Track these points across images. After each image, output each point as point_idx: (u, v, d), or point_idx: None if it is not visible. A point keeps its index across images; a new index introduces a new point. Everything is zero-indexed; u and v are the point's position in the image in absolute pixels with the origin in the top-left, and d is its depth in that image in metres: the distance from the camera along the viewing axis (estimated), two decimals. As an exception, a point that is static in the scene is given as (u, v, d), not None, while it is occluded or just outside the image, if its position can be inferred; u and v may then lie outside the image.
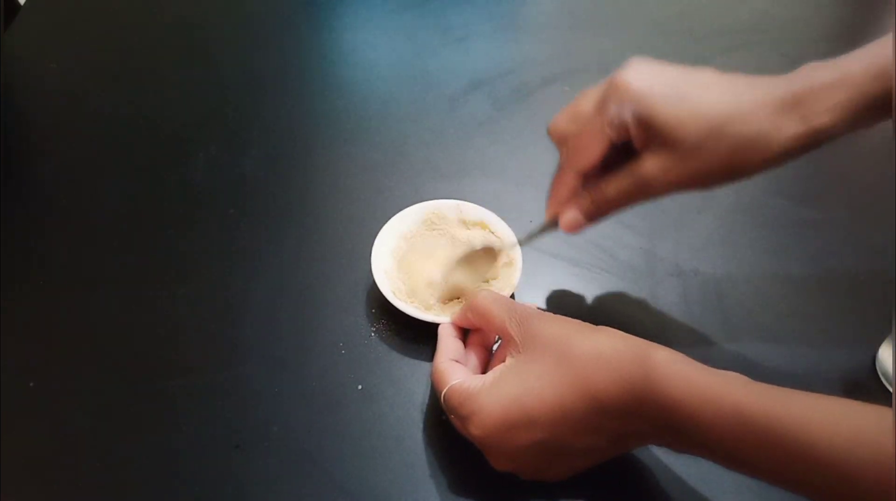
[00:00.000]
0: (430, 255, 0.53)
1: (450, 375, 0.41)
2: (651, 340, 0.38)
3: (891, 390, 0.47)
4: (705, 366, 0.35)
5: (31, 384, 0.48)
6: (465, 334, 0.46)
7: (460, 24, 0.83)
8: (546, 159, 0.60)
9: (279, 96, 0.73)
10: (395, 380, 0.49)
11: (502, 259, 0.52)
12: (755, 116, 0.39)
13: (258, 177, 0.64)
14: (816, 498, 0.32)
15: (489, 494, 0.43)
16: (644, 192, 0.42)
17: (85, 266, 0.56)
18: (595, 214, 0.44)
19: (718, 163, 0.40)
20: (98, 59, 0.78)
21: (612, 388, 0.36)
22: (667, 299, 0.54)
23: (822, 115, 0.39)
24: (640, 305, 0.54)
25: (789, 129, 0.39)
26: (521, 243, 0.51)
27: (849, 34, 0.86)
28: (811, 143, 0.39)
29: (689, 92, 0.40)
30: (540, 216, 0.59)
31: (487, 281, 0.52)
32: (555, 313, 0.42)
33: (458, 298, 0.52)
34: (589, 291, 0.55)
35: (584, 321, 0.41)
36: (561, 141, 0.44)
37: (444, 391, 0.41)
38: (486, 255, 0.52)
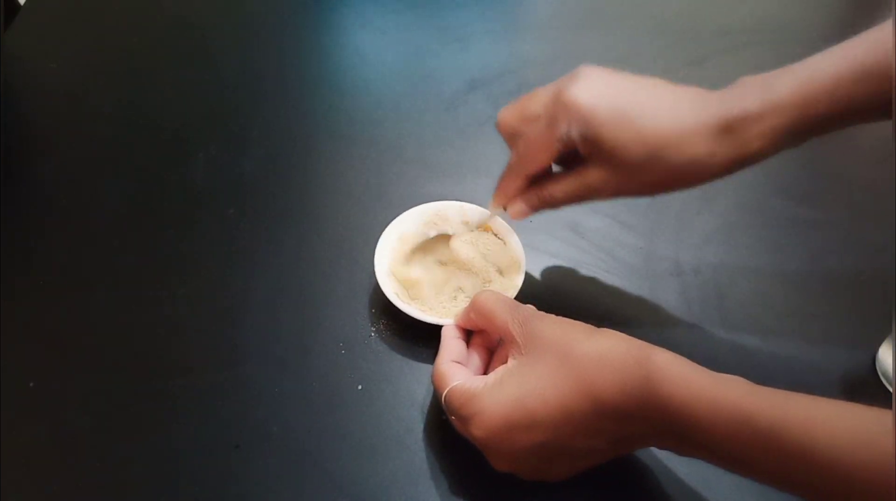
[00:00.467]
0: (433, 257, 0.53)
1: (451, 376, 0.41)
2: (651, 339, 0.38)
3: (891, 390, 0.47)
4: (706, 369, 0.36)
5: (31, 384, 0.48)
6: (468, 335, 0.46)
7: (460, 24, 0.83)
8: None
9: (279, 96, 0.73)
10: (395, 380, 0.49)
11: (499, 237, 0.55)
12: (692, 141, 0.42)
13: (258, 177, 0.64)
14: (817, 500, 0.32)
15: (489, 494, 0.43)
16: (588, 197, 0.47)
17: (85, 266, 0.56)
18: (540, 208, 0.49)
19: (656, 181, 0.44)
20: (98, 59, 0.78)
21: (614, 390, 0.36)
22: (667, 298, 0.54)
23: (754, 141, 0.42)
24: (640, 305, 0.54)
25: (723, 154, 0.42)
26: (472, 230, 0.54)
27: (849, 34, 0.86)
28: (742, 164, 0.43)
29: (632, 113, 0.43)
30: (540, 217, 0.59)
31: (490, 282, 0.52)
32: (555, 313, 0.42)
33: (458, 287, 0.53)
34: (589, 291, 0.55)
35: (585, 321, 0.41)
36: (509, 137, 0.48)
37: (445, 392, 0.41)
38: (471, 242, 0.54)
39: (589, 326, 0.40)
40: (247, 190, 0.63)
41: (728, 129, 0.42)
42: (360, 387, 0.48)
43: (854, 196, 0.63)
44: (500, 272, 0.52)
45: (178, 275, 0.55)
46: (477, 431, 0.39)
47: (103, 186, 0.63)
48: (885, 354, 0.49)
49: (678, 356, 0.36)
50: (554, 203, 0.48)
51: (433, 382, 0.43)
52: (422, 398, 0.48)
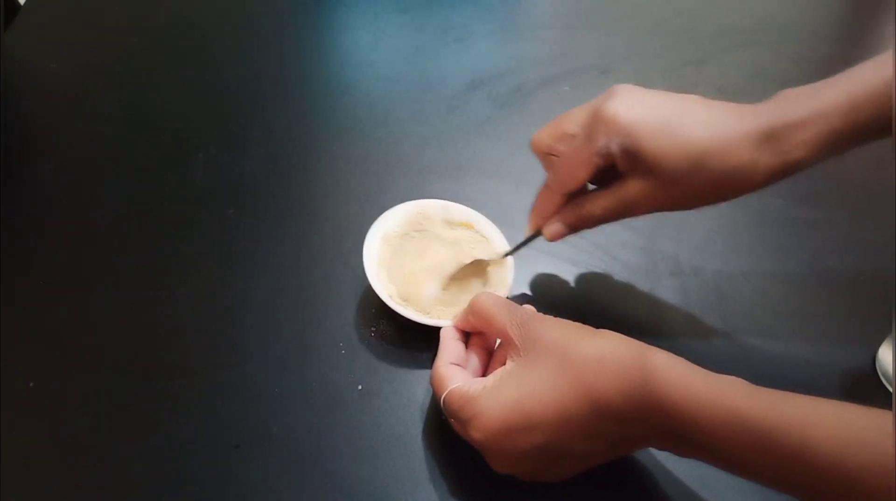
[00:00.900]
0: (418, 257, 0.53)
1: (449, 379, 0.41)
2: (651, 339, 0.38)
3: (891, 390, 0.48)
4: (705, 370, 0.36)
5: (31, 384, 0.48)
6: (467, 336, 0.46)
7: (460, 25, 0.83)
8: (546, 159, 0.60)
9: (279, 96, 0.73)
10: (395, 380, 0.49)
11: (483, 235, 0.54)
12: (734, 150, 0.42)
13: (258, 177, 0.64)
14: None
15: (489, 494, 0.43)
16: (627, 212, 0.46)
17: (85, 266, 0.56)
18: (578, 227, 0.48)
19: (699, 192, 0.43)
20: (98, 59, 0.78)
21: (613, 392, 0.36)
22: (667, 298, 0.54)
23: (796, 149, 0.41)
24: (640, 304, 0.54)
25: (766, 163, 0.42)
26: (509, 254, 0.52)
27: (849, 34, 0.86)
28: (785, 173, 0.43)
29: (673, 124, 0.42)
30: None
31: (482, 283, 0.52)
32: (554, 313, 0.42)
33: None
34: (589, 291, 0.55)
35: (584, 321, 0.41)
36: (545, 157, 0.47)
37: (444, 395, 0.41)
38: (475, 266, 0.53)
39: (587, 327, 0.40)
40: (247, 190, 0.63)
41: (771, 137, 0.41)
42: (360, 387, 0.48)
43: (854, 196, 0.63)
44: (488, 273, 0.52)
45: (178, 275, 0.55)
46: (476, 433, 0.39)
47: (103, 186, 0.63)
48: (885, 354, 0.49)
49: (677, 357, 0.36)
50: (592, 221, 0.47)
51: (432, 384, 0.43)
52: (422, 398, 0.48)
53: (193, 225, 0.60)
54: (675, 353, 0.37)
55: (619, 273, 0.56)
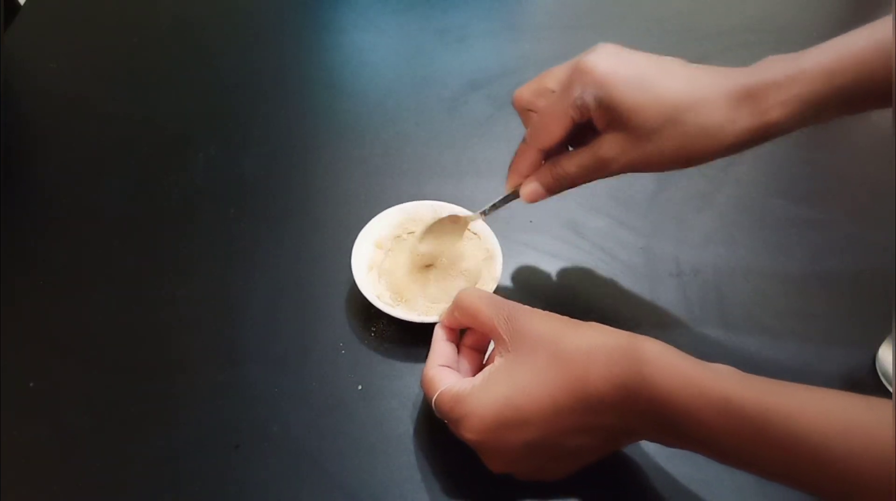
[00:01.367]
0: (408, 258, 0.53)
1: (438, 381, 0.41)
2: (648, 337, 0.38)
3: (891, 390, 0.47)
4: (695, 359, 0.35)
5: (31, 384, 0.48)
6: (459, 335, 0.46)
7: (460, 25, 0.83)
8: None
9: (279, 96, 0.73)
10: (395, 380, 0.49)
11: (472, 230, 0.54)
12: (711, 106, 0.41)
13: (258, 177, 0.64)
14: (809, 491, 0.32)
15: (488, 494, 0.43)
16: (601, 170, 0.44)
17: (85, 266, 0.56)
18: (555, 187, 0.47)
19: (673, 148, 0.42)
20: (98, 59, 0.78)
21: (603, 384, 0.36)
22: (667, 298, 0.54)
23: (774, 109, 0.40)
24: (640, 305, 0.54)
25: (742, 121, 0.41)
26: (486, 213, 0.52)
27: (849, 34, 0.86)
28: (763, 135, 0.41)
29: (650, 78, 0.42)
30: (540, 217, 0.59)
31: (474, 281, 0.52)
32: (554, 312, 0.42)
33: (430, 265, 0.53)
34: (588, 291, 0.55)
35: (584, 320, 0.41)
36: (524, 113, 0.47)
37: (434, 397, 0.40)
38: (454, 224, 0.53)
39: (575, 320, 0.40)
40: (247, 190, 0.63)
41: (749, 95, 0.41)
42: (360, 387, 0.48)
43: (854, 196, 0.63)
44: (478, 268, 0.53)
45: (178, 275, 0.55)
46: (468, 433, 0.39)
47: (103, 187, 0.63)
48: (885, 354, 0.49)
49: (666, 345, 0.36)
50: (568, 179, 0.46)
51: (423, 388, 0.43)
52: (422, 398, 0.48)
53: (193, 225, 0.60)
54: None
55: (619, 273, 0.56)
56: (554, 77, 0.45)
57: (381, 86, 0.75)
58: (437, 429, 0.46)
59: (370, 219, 0.55)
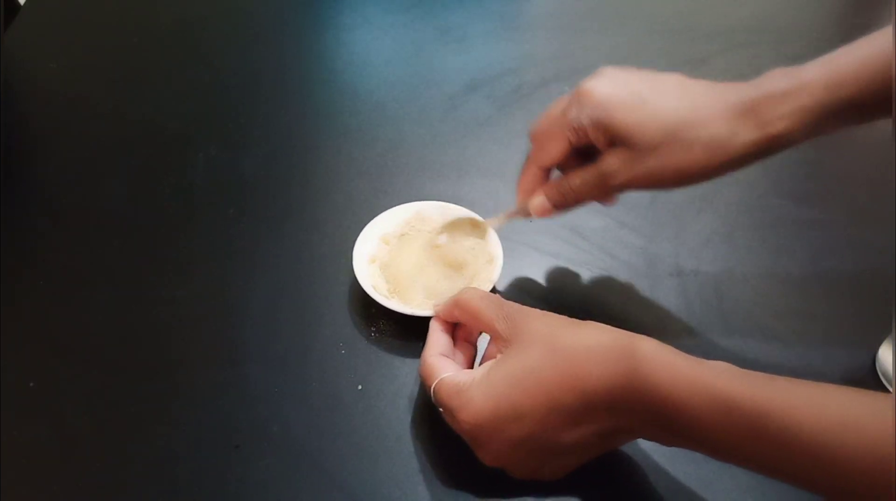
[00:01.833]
0: (412, 255, 0.53)
1: (439, 369, 0.41)
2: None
3: (891, 390, 0.47)
4: (692, 356, 0.35)
5: (31, 384, 0.48)
6: (453, 328, 0.46)
7: (460, 24, 0.83)
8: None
9: (279, 96, 0.73)
10: (395, 380, 0.49)
11: (487, 239, 0.54)
12: (712, 121, 0.41)
13: (258, 177, 0.64)
14: (807, 487, 0.32)
15: (489, 494, 0.43)
16: (604, 184, 0.45)
17: (85, 266, 0.56)
18: (561, 202, 0.48)
19: (675, 164, 0.42)
20: (98, 59, 0.78)
21: (601, 382, 0.36)
22: (667, 298, 0.54)
23: (777, 122, 0.40)
24: (640, 305, 0.54)
25: (745, 135, 0.41)
26: (496, 228, 0.53)
27: (849, 34, 0.86)
28: (766, 149, 0.41)
29: (649, 97, 0.42)
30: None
31: (472, 281, 0.52)
32: (554, 312, 0.42)
33: (432, 262, 0.53)
34: (589, 291, 0.55)
35: (584, 320, 0.41)
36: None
37: (434, 384, 0.41)
38: (473, 227, 0.54)
39: (573, 319, 0.40)
40: (247, 190, 0.63)
41: (750, 108, 0.41)
42: (360, 387, 0.48)
43: (854, 196, 0.63)
44: (479, 268, 0.53)
45: (178, 275, 0.55)
46: (464, 423, 0.39)
47: (103, 187, 0.63)
48: (885, 354, 0.49)
49: (663, 344, 0.36)
50: (573, 195, 0.47)
51: (421, 374, 0.43)
52: (422, 397, 0.48)
53: (193, 225, 0.60)
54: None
55: (619, 273, 0.56)
56: (559, 103, 0.46)
57: (381, 85, 0.75)
58: (437, 429, 0.46)
59: (370, 219, 0.55)
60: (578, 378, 0.37)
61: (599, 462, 0.40)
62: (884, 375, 0.48)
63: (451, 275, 0.53)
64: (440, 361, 0.42)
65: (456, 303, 0.44)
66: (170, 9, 0.85)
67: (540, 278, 0.56)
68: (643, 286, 0.55)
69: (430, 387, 0.41)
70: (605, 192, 0.46)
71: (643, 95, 0.42)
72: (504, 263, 0.51)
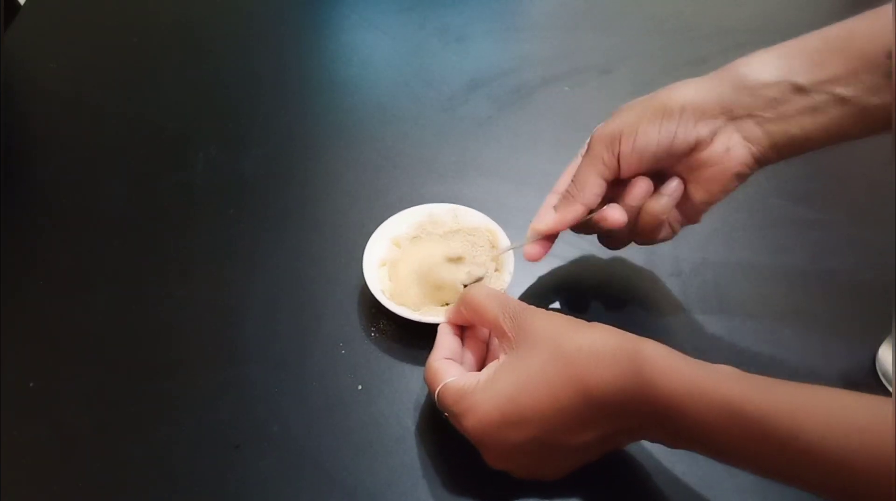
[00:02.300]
0: (421, 259, 0.53)
1: (443, 372, 0.41)
2: (650, 338, 0.38)
3: (891, 390, 0.47)
4: (696, 360, 0.36)
5: (31, 384, 0.48)
6: (463, 331, 0.46)
7: (460, 25, 0.83)
8: (546, 160, 0.60)
9: (279, 96, 0.73)
10: (395, 380, 0.49)
11: (498, 246, 0.54)
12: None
13: (258, 177, 0.64)
14: (809, 489, 0.32)
15: (489, 494, 0.43)
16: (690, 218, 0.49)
17: (85, 266, 0.56)
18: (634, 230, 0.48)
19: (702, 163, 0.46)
20: (98, 60, 0.78)
21: (605, 384, 0.36)
22: (667, 298, 0.54)
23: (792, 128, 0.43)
24: (641, 305, 0.54)
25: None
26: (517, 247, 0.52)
27: (849, 34, 0.86)
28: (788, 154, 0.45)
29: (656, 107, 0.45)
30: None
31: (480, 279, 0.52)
32: (554, 312, 0.42)
33: (442, 268, 0.52)
34: (589, 290, 0.55)
35: (583, 319, 0.41)
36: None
37: (438, 389, 0.41)
38: (484, 231, 0.54)
39: (579, 320, 0.40)
40: (247, 190, 0.63)
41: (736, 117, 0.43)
42: (359, 387, 0.48)
43: (854, 196, 0.63)
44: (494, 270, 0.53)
45: (178, 275, 0.55)
46: (471, 427, 0.39)
47: (103, 187, 0.63)
48: (885, 354, 0.49)
49: (667, 347, 0.36)
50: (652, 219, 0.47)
51: (426, 379, 0.43)
52: (422, 398, 0.48)
53: (193, 225, 0.60)
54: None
55: (620, 273, 0.56)
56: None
57: (381, 85, 0.75)
58: (437, 429, 0.46)
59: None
60: (584, 381, 0.37)
61: (601, 461, 0.40)
62: (884, 375, 0.48)
63: (458, 282, 0.52)
64: (445, 365, 0.42)
65: (462, 300, 0.44)
66: (170, 9, 0.85)
67: (538, 277, 0.56)
68: (643, 286, 0.55)
69: (434, 391, 0.41)
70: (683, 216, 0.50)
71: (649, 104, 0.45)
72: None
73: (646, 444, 0.44)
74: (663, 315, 0.53)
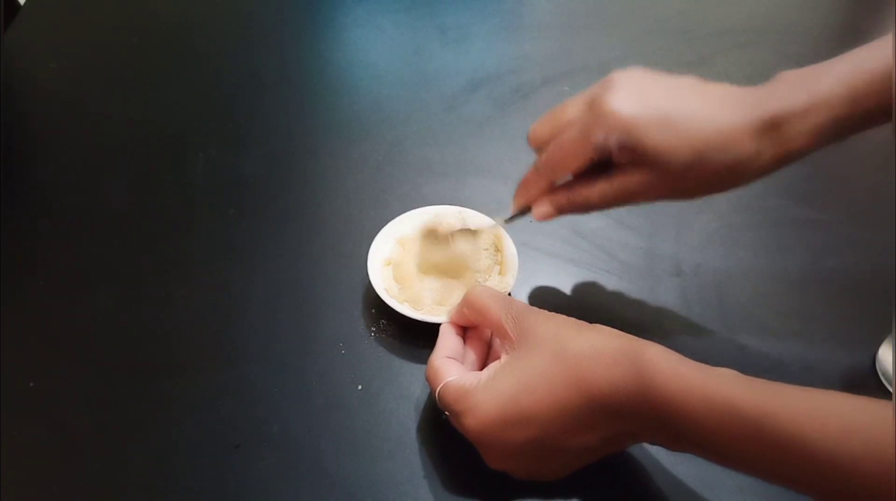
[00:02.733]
0: (425, 259, 0.53)
1: (444, 372, 0.41)
2: (651, 339, 0.38)
3: (891, 390, 0.47)
4: (697, 363, 0.36)
5: (31, 384, 0.48)
6: (465, 331, 0.46)
7: (460, 25, 0.83)
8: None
9: (279, 96, 0.73)
10: (395, 380, 0.49)
11: (503, 247, 0.53)
12: (737, 142, 0.41)
13: (258, 177, 0.64)
14: (811, 493, 0.32)
15: (489, 494, 0.43)
16: (627, 200, 0.45)
17: (85, 266, 0.56)
18: (567, 210, 0.47)
19: (700, 183, 0.43)
20: (98, 60, 0.78)
21: (607, 385, 0.36)
22: (667, 298, 0.54)
23: (798, 138, 0.41)
24: (640, 304, 0.54)
25: (767, 153, 0.41)
26: (507, 221, 0.51)
27: (849, 34, 0.86)
28: (785, 162, 0.42)
29: (674, 118, 0.41)
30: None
31: (487, 280, 0.52)
32: (554, 312, 0.42)
33: (443, 269, 0.52)
34: (589, 291, 0.55)
35: (584, 320, 0.41)
36: (540, 148, 0.46)
37: (439, 388, 0.41)
38: (470, 235, 0.53)
39: (581, 321, 0.40)
40: (247, 190, 0.63)
41: (772, 127, 0.41)
42: (360, 387, 0.48)
43: (854, 196, 0.63)
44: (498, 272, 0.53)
45: (178, 275, 0.55)
46: (471, 426, 0.39)
47: (103, 187, 0.63)
48: (885, 354, 0.49)
49: (669, 350, 0.36)
50: (585, 206, 0.46)
51: (427, 378, 0.43)
52: (422, 398, 0.48)
53: (193, 225, 0.60)
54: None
55: (620, 273, 0.56)
56: (570, 111, 0.44)
57: (382, 85, 0.75)
58: (437, 429, 0.46)
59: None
60: (585, 383, 0.37)
61: (601, 462, 0.40)
62: (884, 375, 0.48)
63: (464, 281, 0.52)
64: (446, 363, 0.42)
65: (465, 300, 0.44)
66: (170, 9, 0.85)
67: (539, 278, 0.56)
68: (643, 286, 0.55)
69: (435, 390, 0.41)
70: (622, 205, 0.46)
71: (668, 117, 0.41)
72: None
73: (646, 445, 0.44)
74: (663, 315, 0.53)
